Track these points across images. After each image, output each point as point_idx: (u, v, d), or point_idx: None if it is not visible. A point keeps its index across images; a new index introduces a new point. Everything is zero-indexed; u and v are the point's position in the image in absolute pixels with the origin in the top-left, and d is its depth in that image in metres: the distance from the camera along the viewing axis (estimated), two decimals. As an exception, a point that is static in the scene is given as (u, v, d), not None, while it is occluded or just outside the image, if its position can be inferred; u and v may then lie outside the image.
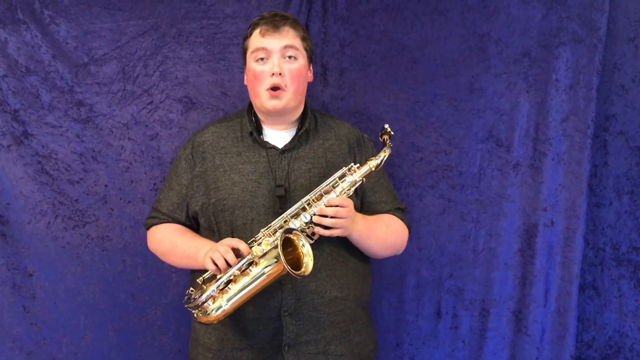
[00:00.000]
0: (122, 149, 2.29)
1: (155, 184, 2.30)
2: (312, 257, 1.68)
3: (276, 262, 1.68)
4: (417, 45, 2.27)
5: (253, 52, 1.82)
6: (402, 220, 1.98)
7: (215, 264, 1.70)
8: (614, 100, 2.26)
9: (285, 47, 1.80)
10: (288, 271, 1.63)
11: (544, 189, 2.28)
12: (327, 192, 1.77)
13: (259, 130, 1.90)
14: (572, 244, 2.26)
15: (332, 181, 1.78)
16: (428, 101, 2.29)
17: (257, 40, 1.82)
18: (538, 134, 2.27)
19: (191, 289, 1.80)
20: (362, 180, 1.81)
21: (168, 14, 2.24)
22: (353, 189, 1.80)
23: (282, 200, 1.80)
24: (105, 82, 2.26)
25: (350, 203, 1.76)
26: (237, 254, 1.70)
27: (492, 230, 2.33)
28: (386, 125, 1.84)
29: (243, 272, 1.69)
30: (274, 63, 1.79)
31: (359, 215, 1.83)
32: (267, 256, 1.70)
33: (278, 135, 1.89)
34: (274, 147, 1.86)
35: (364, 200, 1.93)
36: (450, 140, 2.30)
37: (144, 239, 2.30)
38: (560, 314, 2.29)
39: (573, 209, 2.25)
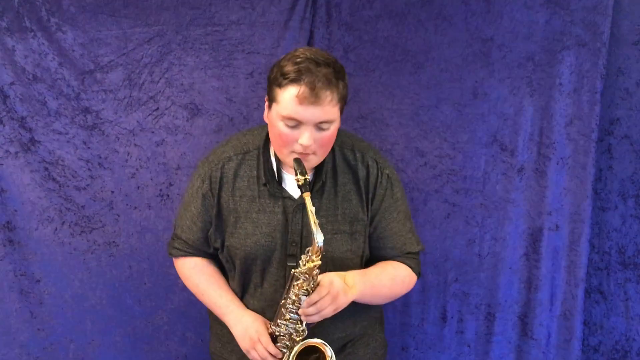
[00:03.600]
0: (128, 155, 2.30)
1: (161, 190, 2.31)
2: None
3: None
4: (421, 50, 2.28)
5: (285, 117, 1.61)
6: (411, 268, 1.84)
7: None
8: (618, 104, 2.26)
9: (321, 122, 1.62)
10: None
11: (548, 193, 2.27)
12: (297, 296, 1.66)
13: (278, 173, 1.77)
14: (578, 248, 2.26)
15: (292, 290, 1.67)
16: (432, 106, 2.30)
17: (292, 106, 1.59)
18: (542, 138, 2.27)
19: None
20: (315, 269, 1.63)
21: (173, 21, 2.25)
22: (315, 272, 1.62)
23: (293, 257, 1.74)
24: (111, 89, 2.27)
25: (328, 288, 1.62)
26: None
27: (497, 234, 2.33)
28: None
29: None
30: (306, 136, 1.61)
31: (357, 277, 1.72)
32: None
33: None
34: (290, 198, 1.75)
35: (371, 244, 1.83)
36: (454, 144, 2.30)
37: (150, 245, 2.32)
38: (566, 318, 2.29)
39: (578, 212, 2.25)
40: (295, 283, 1.65)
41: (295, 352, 1.67)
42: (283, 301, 1.69)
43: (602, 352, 2.37)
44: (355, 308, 1.78)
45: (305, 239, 1.74)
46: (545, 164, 2.27)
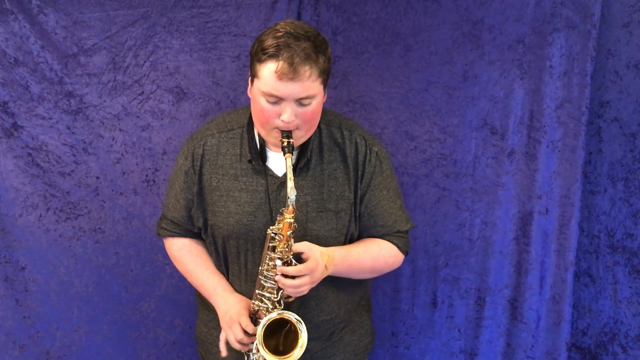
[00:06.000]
0: (113, 140, 2.27)
1: (147, 175, 2.29)
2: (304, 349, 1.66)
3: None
4: (411, 32, 2.26)
5: (265, 93, 1.60)
6: (398, 247, 1.83)
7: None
8: (608, 86, 2.25)
9: (302, 98, 1.60)
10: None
11: (538, 176, 2.27)
12: (272, 260, 1.66)
13: (261, 151, 1.75)
14: (567, 232, 2.26)
15: (267, 253, 1.68)
16: (422, 89, 2.28)
17: (271, 82, 1.57)
18: (532, 121, 2.26)
19: None
20: (291, 226, 1.63)
21: (158, 3, 2.22)
22: (289, 232, 1.63)
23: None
24: (95, 73, 2.24)
25: (309, 271, 1.62)
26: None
27: (487, 218, 2.32)
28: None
29: None
30: (288, 112, 1.59)
31: (337, 259, 1.72)
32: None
33: (281, 158, 1.69)
34: (274, 176, 1.74)
35: (362, 224, 1.81)
36: (444, 128, 2.29)
37: (136, 231, 2.31)
38: (555, 301, 2.30)
39: (568, 196, 2.25)
40: (270, 244, 1.66)
41: (264, 324, 1.65)
42: (261, 268, 1.70)
43: (591, 335, 2.38)
44: (339, 290, 1.79)
45: None
46: (535, 148, 2.26)
